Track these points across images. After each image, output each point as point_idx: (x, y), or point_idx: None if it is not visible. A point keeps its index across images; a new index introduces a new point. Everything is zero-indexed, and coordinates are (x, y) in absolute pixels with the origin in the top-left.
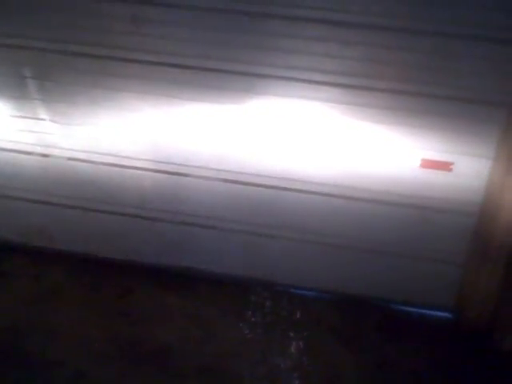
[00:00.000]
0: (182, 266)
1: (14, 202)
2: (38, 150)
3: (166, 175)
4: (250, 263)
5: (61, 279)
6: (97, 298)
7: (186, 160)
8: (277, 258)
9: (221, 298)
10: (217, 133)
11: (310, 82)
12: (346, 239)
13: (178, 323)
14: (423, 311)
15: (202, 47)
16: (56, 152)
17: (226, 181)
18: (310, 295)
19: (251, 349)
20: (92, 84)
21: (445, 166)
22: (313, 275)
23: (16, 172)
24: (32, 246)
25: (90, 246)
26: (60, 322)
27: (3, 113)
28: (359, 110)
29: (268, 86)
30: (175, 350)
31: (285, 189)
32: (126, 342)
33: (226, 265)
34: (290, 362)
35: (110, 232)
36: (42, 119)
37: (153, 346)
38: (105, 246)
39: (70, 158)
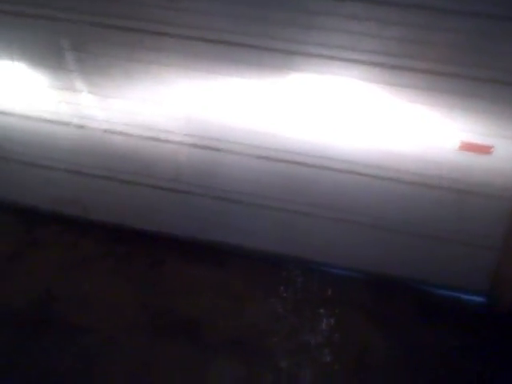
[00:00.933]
0: (215, 241)
1: (50, 172)
2: (75, 121)
3: (200, 150)
4: (282, 240)
5: (93, 248)
6: (128, 267)
7: (220, 135)
8: (309, 236)
9: (252, 273)
10: (252, 109)
11: (348, 60)
12: (380, 219)
13: (209, 296)
14: (457, 294)
15: (238, 23)
16: (92, 124)
17: (260, 157)
18: (341, 274)
19: (281, 324)
20: (128, 57)
21: (484, 149)
22: (345, 254)
23: (52, 142)
24: (66, 215)
25: (122, 217)
26: (92, 290)
27: (41, 84)
28: (398, 90)
29: (305, 63)
30: (206, 322)
31: (319, 167)
32: (156, 311)
33: (258, 241)
34: (320, 339)
35: (143, 204)
36: (78, 91)
37: (183, 317)
38: (138, 218)
39: (105, 130)
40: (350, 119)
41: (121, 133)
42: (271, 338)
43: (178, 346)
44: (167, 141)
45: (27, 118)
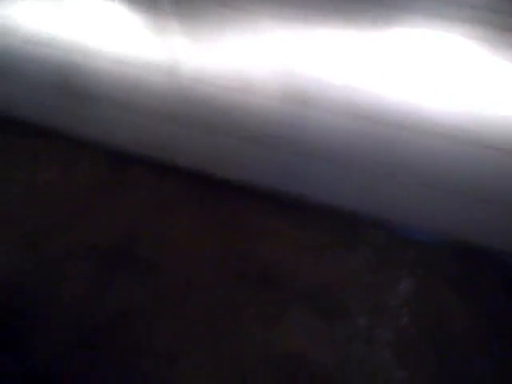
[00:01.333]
0: (297, 195)
1: (138, 116)
2: (165, 66)
3: (291, 104)
4: (367, 200)
5: (176, 192)
6: (210, 213)
7: (313, 89)
8: (394, 198)
9: (333, 230)
10: (348, 64)
11: (453, 16)
12: (468, 187)
13: (288, 248)
14: None
15: None
16: (182, 70)
17: (350, 114)
18: (425, 239)
19: (359, 282)
20: (223, 2)
21: None
22: (430, 219)
23: (142, 87)
24: (153, 159)
25: (206, 164)
26: (173, 233)
27: (134, 26)
28: (502, 50)
29: (410, 18)
30: (285, 272)
31: (409, 128)
32: (235, 258)
33: (341, 198)
34: (397, 301)
35: (227, 153)
36: (171, 34)
37: (263, 266)
38: (221, 166)
39: (194, 78)
40: (450, 79)
41: (210, 81)
42: (349, 294)
43: (256, 293)
44: (260, 93)
45: (119, 61)
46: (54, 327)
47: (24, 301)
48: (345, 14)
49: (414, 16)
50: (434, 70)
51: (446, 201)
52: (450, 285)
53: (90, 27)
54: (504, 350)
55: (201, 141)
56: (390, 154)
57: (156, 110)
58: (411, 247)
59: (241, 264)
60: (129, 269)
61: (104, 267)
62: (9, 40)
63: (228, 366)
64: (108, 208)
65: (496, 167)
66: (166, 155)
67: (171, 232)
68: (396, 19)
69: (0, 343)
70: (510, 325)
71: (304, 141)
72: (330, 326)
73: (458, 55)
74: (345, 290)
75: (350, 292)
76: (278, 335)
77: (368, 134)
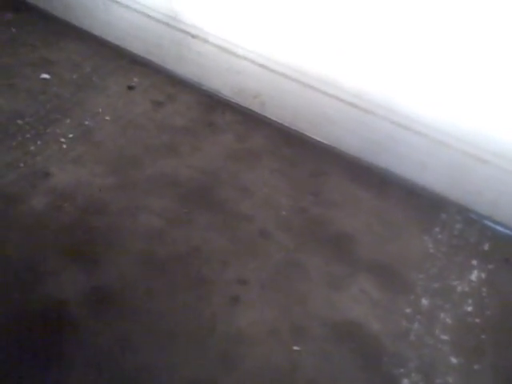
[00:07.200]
0: (381, 166)
1: (238, 60)
2: None
3: None
4: (452, 183)
5: (262, 145)
6: (292, 170)
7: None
8: (481, 185)
9: (412, 207)
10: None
11: None
12: None
13: (364, 217)
14: None
15: None
16: None
17: None
18: (505, 233)
19: (430, 263)
20: None
21: None
22: None
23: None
24: (244, 107)
25: (296, 120)
26: (254, 183)
27: None
28: None
29: None
30: (356, 240)
31: None
32: (310, 218)
33: (425, 177)
34: (466, 288)
35: (320, 113)
36: None
37: (335, 230)
38: (310, 125)
39: None
40: None
41: None
42: (417, 273)
43: (323, 255)
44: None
45: None
46: (123, 253)
47: (102, 222)
48: None
49: None
50: None
51: None
52: None
53: None
54: None
55: (296, 94)
56: (489, 138)
57: (257, 56)
58: (489, 239)
59: (315, 226)
60: (208, 209)
61: (184, 205)
62: None
63: (288, 316)
64: (196, 148)
65: None
66: (259, 105)
67: (253, 183)
68: None
69: (75, 258)
70: None
71: (399, 111)
72: (393, 301)
73: None
74: (414, 268)
75: (418, 272)
76: (340, 299)
77: None
